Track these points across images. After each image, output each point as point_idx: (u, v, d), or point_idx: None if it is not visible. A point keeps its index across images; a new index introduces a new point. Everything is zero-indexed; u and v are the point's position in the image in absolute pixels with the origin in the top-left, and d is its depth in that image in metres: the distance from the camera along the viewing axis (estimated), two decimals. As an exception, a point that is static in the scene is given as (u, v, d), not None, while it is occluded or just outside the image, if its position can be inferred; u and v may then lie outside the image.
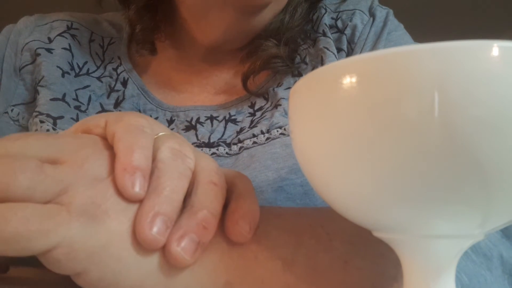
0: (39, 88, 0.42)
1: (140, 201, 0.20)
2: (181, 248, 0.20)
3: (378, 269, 0.22)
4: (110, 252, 0.19)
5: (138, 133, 0.22)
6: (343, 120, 0.15)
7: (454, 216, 0.15)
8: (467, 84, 0.13)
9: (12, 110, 0.43)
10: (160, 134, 0.23)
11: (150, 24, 0.45)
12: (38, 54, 0.44)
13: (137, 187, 0.20)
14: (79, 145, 0.21)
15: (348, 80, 0.15)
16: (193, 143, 0.40)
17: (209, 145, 0.40)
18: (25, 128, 0.42)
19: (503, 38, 0.14)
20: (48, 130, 0.39)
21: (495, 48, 0.13)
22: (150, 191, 0.20)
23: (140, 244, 0.20)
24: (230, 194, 0.24)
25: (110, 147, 0.22)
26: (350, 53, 0.45)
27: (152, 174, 0.21)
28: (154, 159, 0.22)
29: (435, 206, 0.15)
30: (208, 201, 0.21)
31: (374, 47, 0.44)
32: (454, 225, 0.16)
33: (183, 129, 0.42)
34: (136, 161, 0.20)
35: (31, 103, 0.43)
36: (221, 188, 0.23)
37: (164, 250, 0.20)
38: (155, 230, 0.19)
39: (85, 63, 0.46)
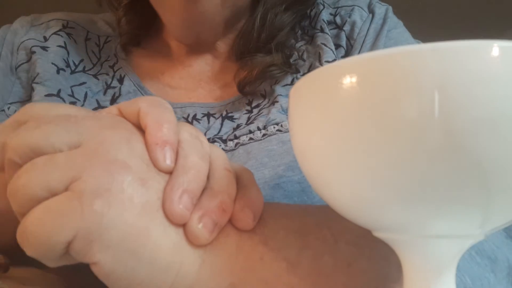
0: (34, 85, 0.42)
1: (169, 173, 0.22)
2: (201, 226, 0.21)
3: (381, 272, 0.22)
4: (126, 247, 0.19)
5: (163, 108, 0.23)
6: (343, 120, 0.15)
7: (454, 216, 0.15)
8: (468, 84, 0.13)
9: (8, 108, 0.43)
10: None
11: (137, 22, 0.46)
12: (33, 52, 0.44)
13: (168, 160, 0.21)
14: (98, 128, 0.21)
15: (348, 80, 0.15)
16: None
17: None
18: None
19: (503, 38, 0.14)
20: None
21: (495, 48, 0.13)
22: (178, 168, 0.22)
23: (154, 240, 0.20)
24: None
25: (131, 128, 0.22)
26: (349, 49, 0.45)
27: (177, 152, 0.22)
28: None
29: (435, 206, 0.15)
30: (226, 186, 0.23)
31: (374, 45, 0.44)
32: (454, 225, 0.16)
33: None
34: (165, 135, 0.22)
35: (27, 101, 0.43)
36: (233, 175, 0.24)
37: (185, 227, 0.21)
38: (183, 205, 0.20)
39: (81, 60, 0.46)
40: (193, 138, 0.23)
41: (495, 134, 0.13)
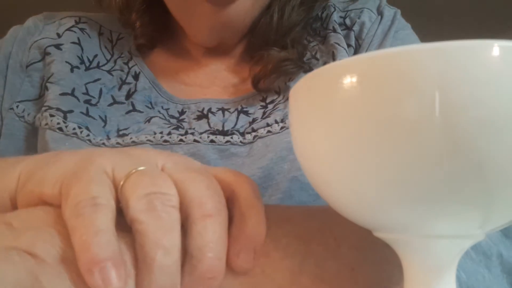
0: (48, 84, 0.42)
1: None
2: None
3: (384, 275, 0.22)
4: None
5: (90, 215, 0.18)
6: (343, 120, 0.15)
7: (454, 216, 0.15)
8: (468, 84, 0.13)
9: (17, 107, 0.43)
10: (122, 182, 0.20)
11: (152, 27, 0.46)
12: (48, 53, 0.44)
13: (115, 282, 0.17)
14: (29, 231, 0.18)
15: (349, 80, 0.15)
16: (206, 131, 0.41)
17: (223, 133, 0.40)
18: (30, 125, 0.43)
19: (503, 38, 0.14)
20: (58, 123, 0.39)
21: (496, 48, 0.13)
22: (138, 265, 0.18)
23: None
24: (231, 207, 0.21)
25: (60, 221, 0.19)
26: (357, 48, 0.46)
27: (134, 237, 0.18)
28: (128, 218, 0.19)
29: (435, 206, 0.15)
30: (209, 244, 0.19)
31: (381, 45, 0.44)
32: (454, 225, 0.16)
33: (194, 119, 0.42)
34: (99, 255, 0.17)
35: (36, 100, 0.44)
36: (219, 217, 0.20)
37: None
38: None
39: (95, 56, 0.46)
40: (148, 204, 0.18)
41: (495, 134, 0.13)
